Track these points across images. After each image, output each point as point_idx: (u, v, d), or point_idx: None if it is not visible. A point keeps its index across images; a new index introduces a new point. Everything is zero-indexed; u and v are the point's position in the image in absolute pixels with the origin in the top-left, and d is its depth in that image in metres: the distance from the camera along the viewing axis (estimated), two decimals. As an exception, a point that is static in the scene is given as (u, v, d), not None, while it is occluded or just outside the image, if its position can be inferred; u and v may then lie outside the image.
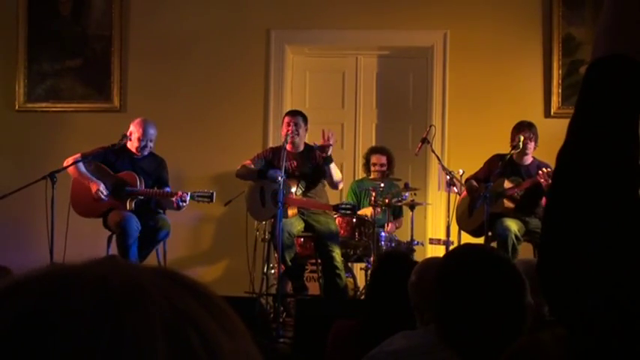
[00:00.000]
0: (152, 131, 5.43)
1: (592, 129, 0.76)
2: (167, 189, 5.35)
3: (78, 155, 5.35)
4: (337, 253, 5.32)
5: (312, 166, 5.50)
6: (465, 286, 1.65)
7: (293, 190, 5.39)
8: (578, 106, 0.78)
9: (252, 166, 5.56)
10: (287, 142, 5.36)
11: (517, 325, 1.61)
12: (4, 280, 0.50)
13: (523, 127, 5.43)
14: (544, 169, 5.19)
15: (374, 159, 6.12)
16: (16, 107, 6.58)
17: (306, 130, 5.58)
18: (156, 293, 0.49)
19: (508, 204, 5.42)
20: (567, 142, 0.78)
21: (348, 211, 5.31)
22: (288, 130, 5.43)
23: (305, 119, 5.54)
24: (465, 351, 1.61)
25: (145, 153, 5.43)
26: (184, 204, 5.20)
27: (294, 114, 5.58)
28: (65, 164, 5.29)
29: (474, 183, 5.54)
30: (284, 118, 5.62)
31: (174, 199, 5.18)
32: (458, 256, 1.82)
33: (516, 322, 1.61)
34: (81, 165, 5.35)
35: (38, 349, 0.46)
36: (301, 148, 5.56)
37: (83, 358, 0.45)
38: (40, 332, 0.46)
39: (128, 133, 5.40)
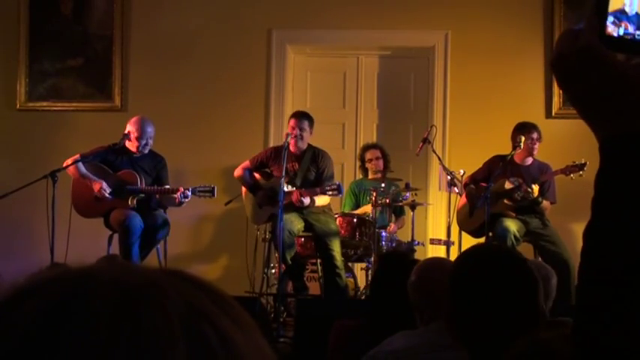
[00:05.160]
0: (150, 129, 5.42)
1: (620, 207, 0.75)
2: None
3: (77, 156, 5.34)
4: (337, 252, 5.31)
5: (315, 172, 5.49)
6: (479, 285, 1.65)
7: (286, 189, 5.39)
8: (600, 183, 0.77)
9: (251, 167, 5.59)
10: (288, 143, 5.36)
11: (530, 325, 1.61)
12: (18, 283, 0.50)
13: (526, 128, 5.43)
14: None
15: (368, 155, 6.13)
16: (17, 106, 6.58)
17: (311, 132, 5.57)
18: (171, 291, 0.50)
19: (508, 204, 5.42)
20: (593, 222, 0.77)
21: (335, 191, 5.25)
22: (292, 133, 5.42)
23: (311, 122, 5.53)
24: (478, 350, 1.61)
25: (145, 151, 5.43)
26: (186, 199, 5.21)
27: (300, 117, 5.52)
28: (64, 165, 5.28)
29: (473, 187, 5.54)
30: (290, 119, 5.60)
31: (177, 194, 5.18)
32: (473, 254, 1.82)
33: (529, 322, 1.61)
34: (81, 165, 5.34)
35: (60, 350, 0.46)
36: (304, 148, 5.55)
37: (105, 358, 0.46)
38: (60, 332, 0.46)
39: (126, 132, 5.40)
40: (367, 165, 6.14)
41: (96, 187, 5.25)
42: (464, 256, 1.81)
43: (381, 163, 6.10)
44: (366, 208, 5.85)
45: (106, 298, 0.48)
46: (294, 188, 5.38)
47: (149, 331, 0.47)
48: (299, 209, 5.40)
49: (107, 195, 5.25)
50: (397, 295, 2.68)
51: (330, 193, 5.27)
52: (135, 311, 0.47)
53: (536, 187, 5.26)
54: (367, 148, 6.21)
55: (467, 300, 1.66)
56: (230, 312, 0.52)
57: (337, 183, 5.30)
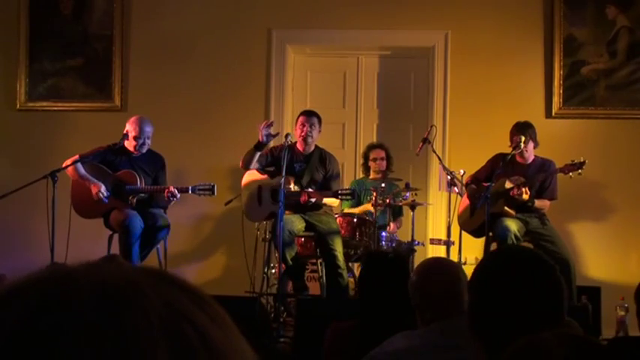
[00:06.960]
0: (148, 128, 5.41)
1: None
2: None
3: (76, 157, 5.34)
4: (339, 252, 5.32)
5: (324, 174, 5.49)
6: (506, 285, 1.65)
7: (290, 187, 5.38)
8: None
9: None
10: (288, 142, 5.34)
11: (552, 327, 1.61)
12: (3, 284, 0.51)
13: (520, 128, 5.40)
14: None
15: (373, 154, 6.14)
16: (17, 106, 6.58)
17: (320, 131, 5.56)
18: (151, 292, 0.50)
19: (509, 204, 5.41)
20: None
21: (348, 196, 5.34)
22: (303, 131, 5.42)
23: (320, 120, 5.52)
24: (495, 348, 1.61)
25: (143, 151, 5.43)
26: (174, 199, 5.21)
27: (310, 114, 5.53)
28: (64, 166, 5.28)
29: (474, 187, 5.53)
30: (299, 117, 5.58)
31: (165, 193, 5.20)
32: (502, 253, 1.82)
33: (551, 325, 1.61)
34: (80, 166, 5.34)
35: (42, 351, 0.46)
36: (312, 149, 5.54)
37: (87, 359, 0.46)
38: (43, 334, 0.47)
39: (125, 132, 5.40)
40: (370, 163, 6.15)
41: (94, 189, 5.25)
42: (494, 254, 1.81)
43: (384, 163, 6.11)
44: (367, 206, 5.86)
45: (86, 301, 0.48)
46: (300, 189, 5.37)
47: (130, 332, 0.47)
48: (302, 209, 5.38)
49: (104, 199, 5.25)
50: (383, 295, 2.68)
51: (342, 197, 5.36)
52: (115, 313, 0.48)
53: (526, 194, 5.22)
54: (373, 147, 6.22)
55: (491, 298, 1.66)
56: (208, 310, 0.53)
57: (352, 189, 5.41)
